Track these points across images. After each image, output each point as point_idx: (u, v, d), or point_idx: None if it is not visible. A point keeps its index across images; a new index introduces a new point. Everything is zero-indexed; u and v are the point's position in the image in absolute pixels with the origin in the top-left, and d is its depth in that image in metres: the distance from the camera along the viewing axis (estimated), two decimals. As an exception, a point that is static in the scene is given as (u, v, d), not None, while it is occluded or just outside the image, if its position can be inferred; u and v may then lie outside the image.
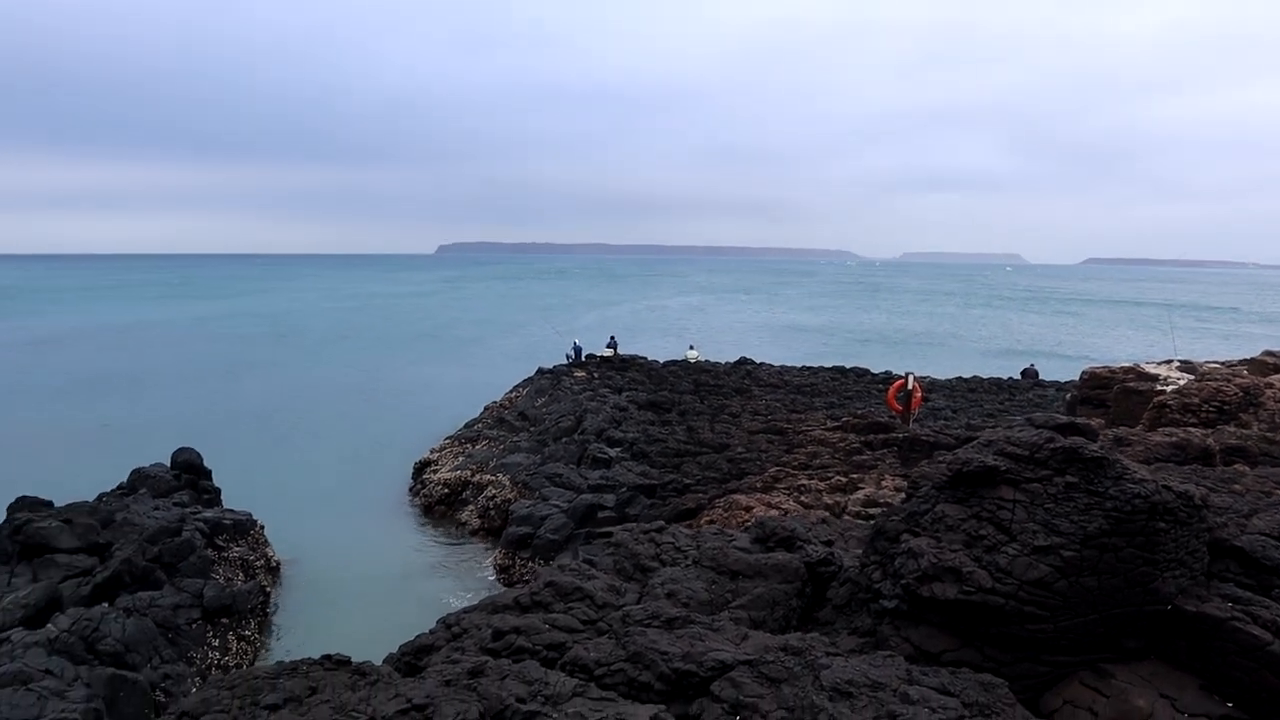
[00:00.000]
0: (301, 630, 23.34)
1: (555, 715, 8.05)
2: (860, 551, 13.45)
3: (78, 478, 32.09)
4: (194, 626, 19.85)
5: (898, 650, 10.12)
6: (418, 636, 11.57)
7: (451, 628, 11.31)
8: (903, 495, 14.50)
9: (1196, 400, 24.78)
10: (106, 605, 19.28)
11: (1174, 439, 20.25)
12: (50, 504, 23.92)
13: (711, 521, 23.32)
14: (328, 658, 9.87)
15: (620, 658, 9.66)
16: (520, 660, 9.58)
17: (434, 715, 7.68)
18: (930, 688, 8.78)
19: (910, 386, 32.54)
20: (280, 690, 8.98)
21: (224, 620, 20.63)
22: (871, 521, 18.61)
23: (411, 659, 10.87)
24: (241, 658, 20.59)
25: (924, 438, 27.20)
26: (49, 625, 17.88)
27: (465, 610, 12.21)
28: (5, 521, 22.59)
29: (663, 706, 8.71)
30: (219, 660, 19.67)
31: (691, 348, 59.88)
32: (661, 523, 16.21)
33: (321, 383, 65.08)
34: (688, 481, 28.96)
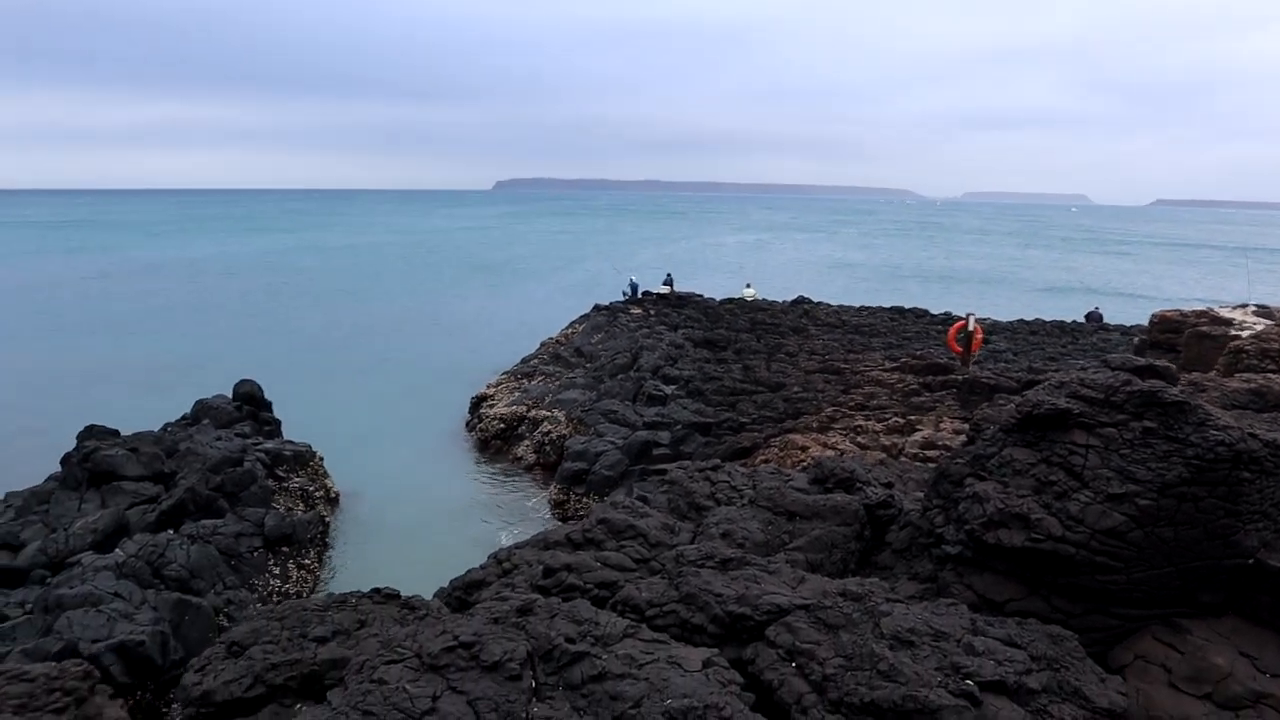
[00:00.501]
0: (359, 560, 23.70)
1: (605, 657, 7.92)
2: (921, 495, 13.12)
3: (143, 408, 32.78)
4: (255, 554, 20.21)
5: (960, 598, 9.84)
6: (468, 571, 11.54)
7: (503, 563, 11.24)
8: (962, 438, 14.09)
9: (1276, 346, 23.77)
10: (172, 532, 19.71)
11: (1252, 385, 19.43)
12: (117, 433, 24.43)
13: (767, 461, 23.09)
14: (377, 591, 9.86)
15: (673, 599, 9.51)
16: (570, 599, 9.47)
17: (480, 653, 7.57)
18: (996, 639, 8.50)
19: (971, 328, 31.76)
20: (329, 623, 8.98)
21: (284, 549, 21.00)
22: (930, 464, 18.23)
23: (462, 594, 10.84)
24: (301, 585, 20.96)
25: (984, 380, 26.57)
26: (117, 550, 18.31)
27: (517, 546, 12.15)
28: (75, 449, 23.12)
29: (716, 650, 8.55)
30: (279, 587, 20.03)
31: (748, 286, 59.20)
32: (717, 461, 16.01)
33: (380, 315, 65.69)
34: (743, 420, 28.71)
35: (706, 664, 8.01)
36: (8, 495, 21.86)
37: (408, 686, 7.23)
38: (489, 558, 11.69)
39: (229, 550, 19.67)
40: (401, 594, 9.97)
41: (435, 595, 11.21)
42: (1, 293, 76.80)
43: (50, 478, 22.75)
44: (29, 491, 21.79)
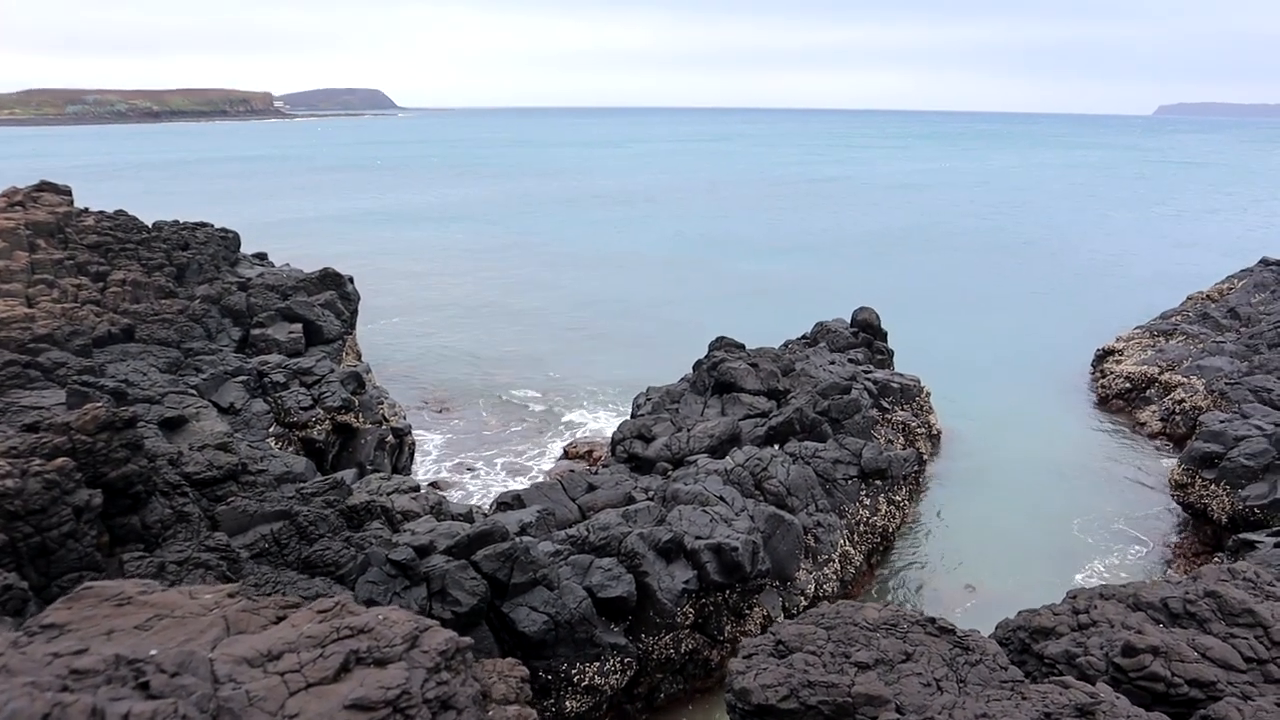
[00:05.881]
0: (949, 510, 22.99)
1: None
2: None
3: (770, 321, 35.37)
4: (849, 482, 20.56)
5: None
6: (1038, 612, 10.17)
7: (1079, 614, 9.69)
8: None
9: None
10: (776, 448, 20.84)
11: None
12: (742, 346, 26.47)
13: None
14: (931, 621, 9.16)
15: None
16: (1152, 690, 7.75)
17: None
18: None
19: None
20: (874, 648, 8.49)
21: (878, 482, 21.05)
22: None
23: (1025, 637, 9.58)
24: (889, 521, 20.93)
25: None
26: (728, 458, 19.86)
27: (1101, 592, 10.37)
28: (706, 357, 25.55)
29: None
30: (867, 519, 20.20)
31: None
32: None
33: (1011, 248, 63.37)
34: None
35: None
36: (649, 389, 24.95)
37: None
38: (1065, 599, 10.23)
39: (825, 474, 20.26)
40: (957, 630, 9.07)
41: (996, 629, 10.15)
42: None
43: (683, 379, 25.44)
44: (665, 390, 24.61)
